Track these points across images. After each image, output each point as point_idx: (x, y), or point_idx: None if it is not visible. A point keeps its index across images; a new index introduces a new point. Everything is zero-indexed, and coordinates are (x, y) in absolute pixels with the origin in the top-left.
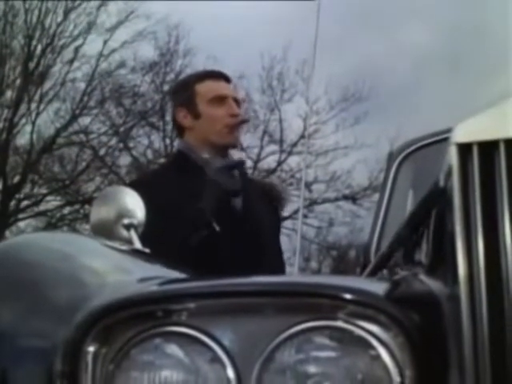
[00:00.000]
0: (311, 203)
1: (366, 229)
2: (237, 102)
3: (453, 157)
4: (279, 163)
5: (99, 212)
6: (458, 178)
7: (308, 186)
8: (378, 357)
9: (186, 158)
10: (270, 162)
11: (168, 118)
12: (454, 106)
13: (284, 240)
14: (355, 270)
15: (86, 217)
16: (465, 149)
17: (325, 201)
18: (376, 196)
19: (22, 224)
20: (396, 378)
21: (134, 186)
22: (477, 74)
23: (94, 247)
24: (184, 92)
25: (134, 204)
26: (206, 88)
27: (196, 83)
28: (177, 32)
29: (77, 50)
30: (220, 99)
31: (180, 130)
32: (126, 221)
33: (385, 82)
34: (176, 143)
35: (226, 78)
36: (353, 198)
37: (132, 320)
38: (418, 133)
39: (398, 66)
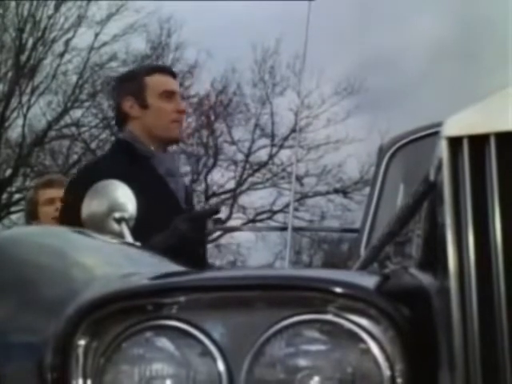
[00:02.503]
0: (302, 197)
1: (357, 222)
2: (182, 98)
3: (443, 150)
4: (270, 157)
5: (90, 205)
6: (449, 171)
7: (299, 179)
8: (368, 350)
9: (130, 148)
10: (261, 155)
11: None
12: (447, 100)
13: (275, 233)
14: (346, 263)
15: None
16: (455, 142)
17: (316, 194)
18: (367, 189)
19: (13, 217)
20: (386, 371)
21: (81, 176)
22: (471, 68)
23: (84, 241)
24: (132, 82)
25: (125, 197)
26: (156, 81)
27: (145, 75)
28: (168, 25)
29: (68, 42)
30: (169, 94)
31: (124, 118)
32: (117, 214)
33: (376, 75)
34: None
35: (173, 74)
36: (344, 192)
37: (123, 313)
38: (409, 126)
39: (389, 60)
